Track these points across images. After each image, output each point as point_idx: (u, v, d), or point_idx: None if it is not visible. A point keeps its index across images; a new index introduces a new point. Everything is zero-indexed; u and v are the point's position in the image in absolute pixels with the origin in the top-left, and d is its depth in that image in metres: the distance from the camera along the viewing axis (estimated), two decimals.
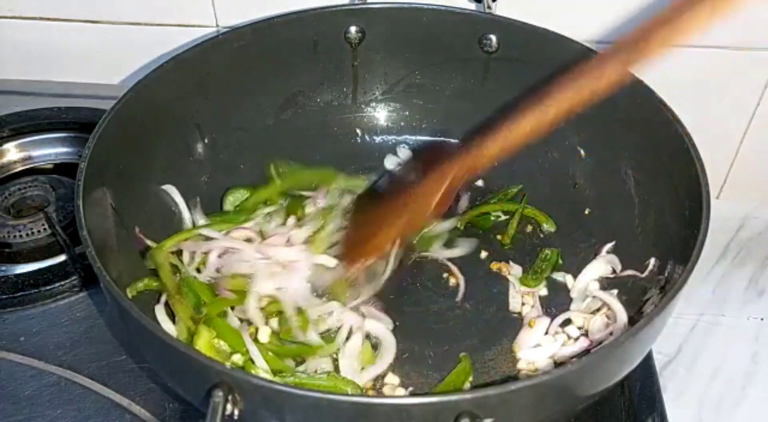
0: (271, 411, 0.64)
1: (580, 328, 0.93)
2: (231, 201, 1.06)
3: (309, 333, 0.89)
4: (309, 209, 1.05)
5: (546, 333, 0.93)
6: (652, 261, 0.91)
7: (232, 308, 0.92)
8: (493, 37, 1.04)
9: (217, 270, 0.95)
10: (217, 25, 1.20)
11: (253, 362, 0.85)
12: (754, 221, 1.17)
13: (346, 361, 0.88)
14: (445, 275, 1.00)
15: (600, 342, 0.89)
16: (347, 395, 0.77)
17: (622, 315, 0.90)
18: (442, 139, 1.14)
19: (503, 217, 1.07)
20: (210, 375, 0.63)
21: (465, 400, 0.60)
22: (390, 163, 1.13)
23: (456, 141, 1.10)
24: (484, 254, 1.03)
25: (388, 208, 0.99)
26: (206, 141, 1.05)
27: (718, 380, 0.96)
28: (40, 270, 1.01)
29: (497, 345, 0.93)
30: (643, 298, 0.90)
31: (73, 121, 1.20)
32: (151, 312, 0.88)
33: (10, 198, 1.12)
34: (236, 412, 0.63)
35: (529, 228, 1.06)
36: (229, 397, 0.62)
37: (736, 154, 1.18)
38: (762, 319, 1.03)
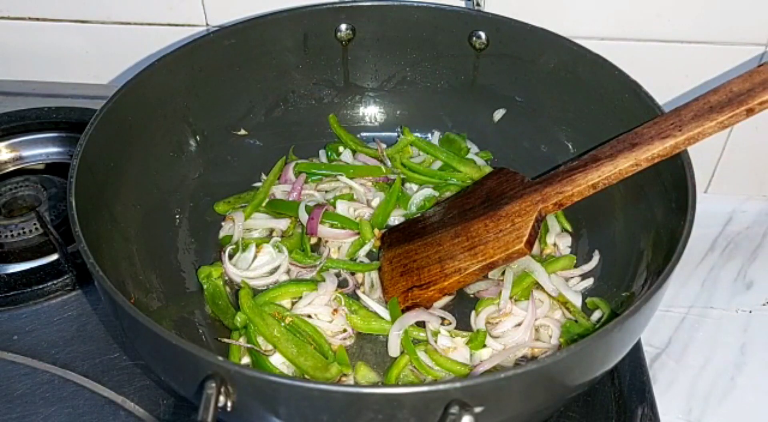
0: (264, 401, 0.65)
1: None
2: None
3: None
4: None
5: None
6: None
7: None
8: (483, 34, 1.05)
9: None
10: (207, 24, 1.21)
11: None
12: (742, 215, 1.18)
13: None
14: None
15: None
16: (339, 385, 0.77)
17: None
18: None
19: None
20: (202, 367, 0.64)
21: (455, 389, 0.61)
22: None
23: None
24: None
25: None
26: (197, 138, 1.06)
27: (708, 371, 0.97)
28: (32, 269, 1.02)
29: None
30: (627, 290, 0.91)
31: (64, 120, 1.20)
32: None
33: (1, 198, 1.12)
34: (229, 404, 0.64)
35: None
36: (222, 389, 0.63)
37: (724, 148, 1.19)
38: (750, 312, 1.04)
